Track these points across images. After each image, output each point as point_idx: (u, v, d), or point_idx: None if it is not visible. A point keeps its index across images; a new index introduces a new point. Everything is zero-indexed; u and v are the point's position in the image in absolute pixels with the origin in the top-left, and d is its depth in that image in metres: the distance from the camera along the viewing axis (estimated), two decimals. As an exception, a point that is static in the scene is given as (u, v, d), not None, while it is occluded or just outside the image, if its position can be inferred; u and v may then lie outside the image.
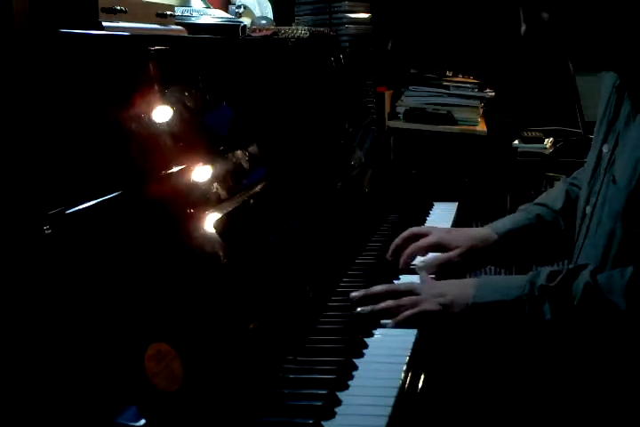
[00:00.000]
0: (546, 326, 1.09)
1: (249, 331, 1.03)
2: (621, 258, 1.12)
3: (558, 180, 2.91)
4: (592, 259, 1.18)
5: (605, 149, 1.20)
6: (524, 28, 1.15)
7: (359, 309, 1.20)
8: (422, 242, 1.45)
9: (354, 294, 1.24)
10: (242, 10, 2.06)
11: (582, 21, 1.10)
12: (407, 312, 1.16)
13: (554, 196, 1.48)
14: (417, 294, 1.19)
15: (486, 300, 1.14)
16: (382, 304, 1.19)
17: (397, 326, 1.16)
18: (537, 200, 1.51)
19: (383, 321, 1.18)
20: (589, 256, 1.19)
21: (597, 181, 1.20)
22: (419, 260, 1.46)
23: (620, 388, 1.11)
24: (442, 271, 1.40)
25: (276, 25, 2.22)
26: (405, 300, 1.18)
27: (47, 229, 0.80)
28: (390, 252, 1.49)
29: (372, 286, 1.35)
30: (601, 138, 1.23)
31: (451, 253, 1.41)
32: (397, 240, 1.48)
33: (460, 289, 1.18)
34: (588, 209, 1.22)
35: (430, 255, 1.47)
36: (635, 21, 1.08)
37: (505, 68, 3.21)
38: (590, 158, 1.28)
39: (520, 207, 1.53)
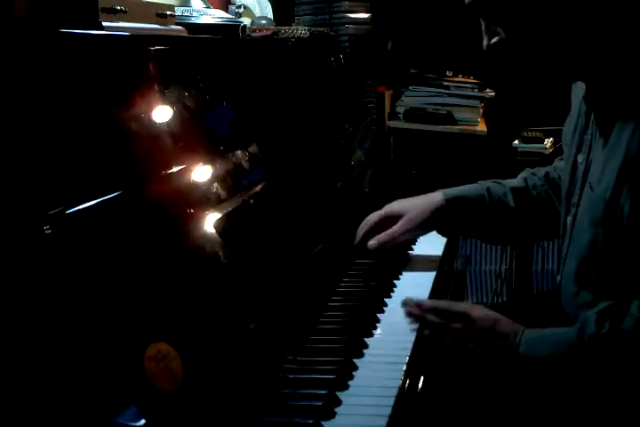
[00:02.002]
0: (599, 375, 1.07)
1: (249, 331, 1.03)
2: (604, 265, 1.12)
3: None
4: (575, 268, 1.18)
5: (580, 158, 1.20)
6: (485, 42, 1.14)
7: (408, 308, 1.19)
8: (372, 217, 1.50)
9: (407, 299, 1.22)
10: (242, 10, 2.06)
11: (538, 36, 1.09)
12: (450, 338, 1.16)
13: (512, 179, 1.52)
14: (469, 324, 1.16)
15: (536, 354, 1.12)
16: (433, 317, 1.17)
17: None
18: (504, 181, 1.53)
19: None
20: (573, 266, 1.19)
21: (575, 192, 1.21)
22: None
23: (622, 391, 1.11)
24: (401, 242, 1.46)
25: (276, 25, 2.21)
26: (457, 325, 1.16)
27: (47, 229, 0.80)
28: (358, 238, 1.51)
29: (371, 285, 1.35)
30: (574, 148, 1.23)
31: (398, 225, 1.44)
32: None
33: (506, 342, 1.14)
34: (569, 219, 1.22)
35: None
36: (594, 37, 1.08)
37: (505, 68, 3.21)
38: (565, 170, 1.28)
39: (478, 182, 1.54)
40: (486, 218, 1.46)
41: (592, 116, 1.17)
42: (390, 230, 1.44)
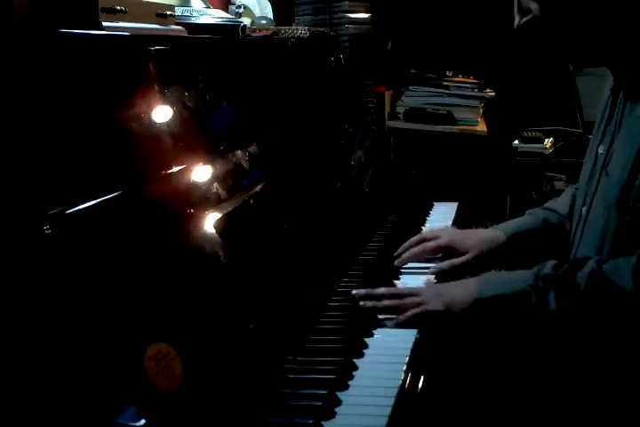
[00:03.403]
0: (551, 317, 1.07)
1: (249, 331, 1.03)
2: (615, 251, 1.12)
3: (558, 180, 2.92)
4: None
5: (601, 149, 1.21)
6: (517, 20, 1.15)
7: (362, 302, 1.21)
8: (432, 243, 1.47)
9: (356, 291, 1.25)
10: (242, 10, 2.06)
11: (572, 13, 1.09)
12: (410, 311, 1.16)
13: (560, 201, 1.51)
14: (418, 296, 1.19)
15: (490, 294, 1.13)
16: (385, 302, 1.20)
17: (401, 324, 1.16)
18: (544, 205, 1.53)
19: (384, 320, 1.19)
20: (583, 255, 1.19)
21: (593, 182, 1.21)
22: (432, 265, 1.47)
23: (621, 387, 1.11)
24: (452, 274, 1.42)
25: (276, 25, 2.22)
26: (409, 300, 1.18)
27: (47, 229, 0.80)
28: (398, 254, 1.49)
29: (371, 286, 1.35)
30: (597, 140, 1.24)
31: (463, 258, 1.42)
32: (407, 244, 1.49)
33: (462, 288, 1.18)
34: (584, 209, 1.23)
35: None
36: (627, 16, 1.08)
37: (505, 68, 3.21)
38: (587, 161, 1.29)
39: (527, 211, 1.54)
40: (547, 247, 1.47)
41: (617, 107, 1.18)
42: (455, 260, 1.44)
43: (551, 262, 1.12)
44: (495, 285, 1.15)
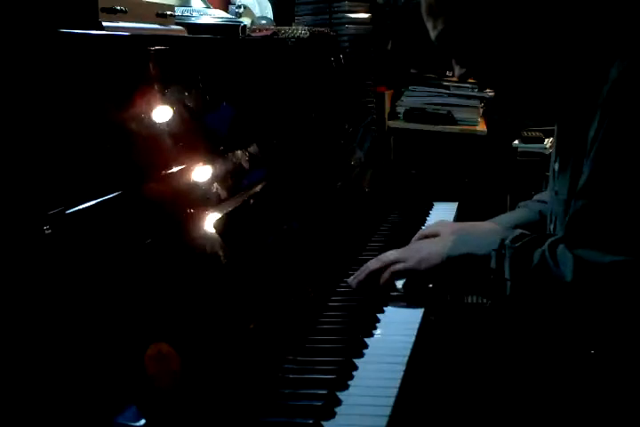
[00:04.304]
0: (505, 284, 1.09)
1: (249, 331, 1.03)
2: None
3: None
4: None
5: (556, 167, 1.21)
6: (457, 71, 1.19)
7: (349, 282, 1.31)
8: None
9: (351, 279, 1.31)
10: (242, 10, 2.07)
11: (500, 76, 1.14)
12: (385, 274, 1.25)
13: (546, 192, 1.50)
14: (396, 255, 1.26)
15: (458, 253, 1.17)
16: (366, 271, 1.28)
17: (384, 284, 1.26)
18: (536, 197, 1.53)
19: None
20: None
21: (553, 201, 1.22)
22: None
23: (615, 388, 1.11)
24: None
25: (276, 25, 2.22)
26: (386, 259, 1.26)
27: (47, 229, 0.80)
28: None
29: (371, 286, 1.36)
30: (554, 158, 1.25)
31: None
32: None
33: (439, 245, 1.21)
34: (551, 227, 1.24)
35: None
36: (554, 68, 1.11)
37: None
38: (550, 178, 1.30)
39: (520, 204, 1.54)
40: None
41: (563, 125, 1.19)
42: None
43: (516, 232, 1.14)
44: (466, 244, 1.17)
